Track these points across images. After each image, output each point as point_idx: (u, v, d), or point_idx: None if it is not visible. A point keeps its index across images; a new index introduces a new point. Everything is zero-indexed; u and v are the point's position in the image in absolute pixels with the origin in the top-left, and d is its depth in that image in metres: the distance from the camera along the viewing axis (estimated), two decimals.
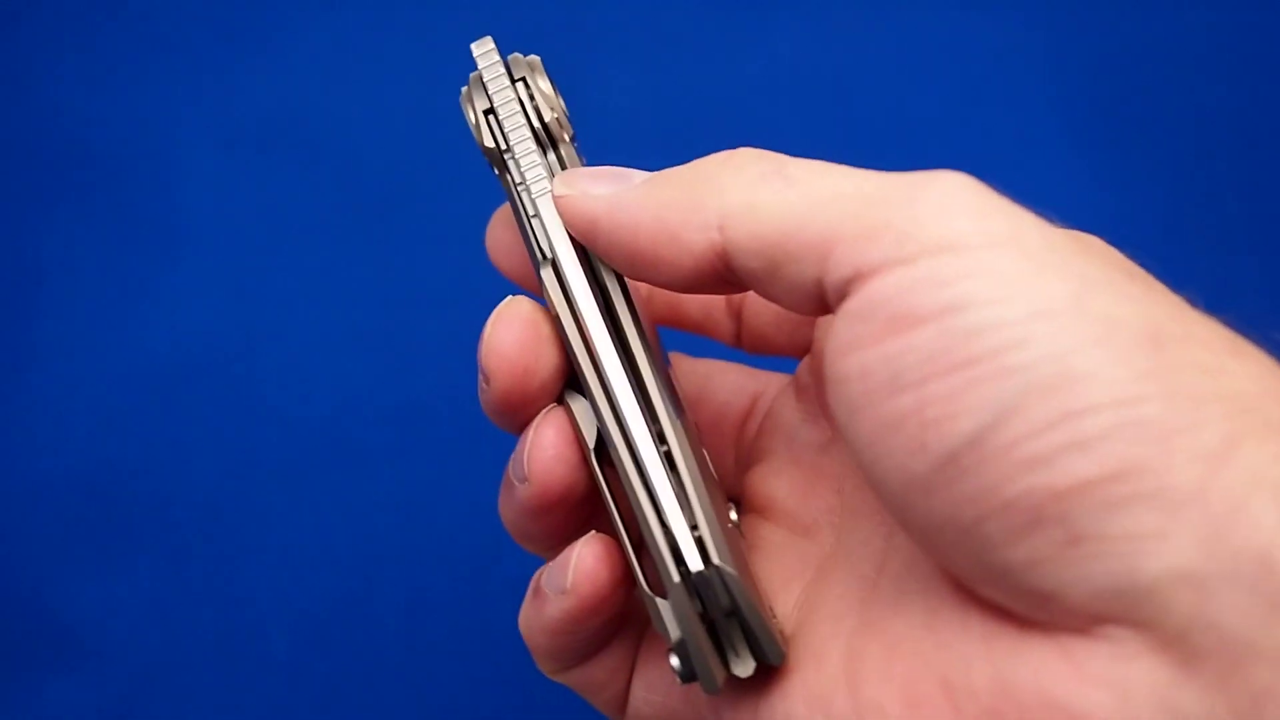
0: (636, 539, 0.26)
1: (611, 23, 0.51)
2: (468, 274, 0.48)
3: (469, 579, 0.44)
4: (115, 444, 0.46)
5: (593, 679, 0.29)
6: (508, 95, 0.29)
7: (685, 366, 0.32)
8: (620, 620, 0.28)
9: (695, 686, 0.27)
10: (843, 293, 0.22)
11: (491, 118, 0.29)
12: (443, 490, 0.45)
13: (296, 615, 0.44)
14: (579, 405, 0.27)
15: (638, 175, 0.26)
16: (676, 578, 0.24)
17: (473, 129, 0.29)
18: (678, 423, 0.26)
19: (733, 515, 0.28)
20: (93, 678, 0.44)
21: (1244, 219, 0.47)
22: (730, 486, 0.31)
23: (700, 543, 0.24)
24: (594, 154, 0.48)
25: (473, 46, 0.29)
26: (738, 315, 0.32)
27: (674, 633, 0.25)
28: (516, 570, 0.44)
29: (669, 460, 0.25)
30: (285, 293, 0.48)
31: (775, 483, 0.29)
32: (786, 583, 0.27)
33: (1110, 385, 0.19)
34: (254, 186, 0.49)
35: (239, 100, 0.50)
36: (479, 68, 0.29)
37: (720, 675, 0.25)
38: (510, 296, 0.28)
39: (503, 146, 0.28)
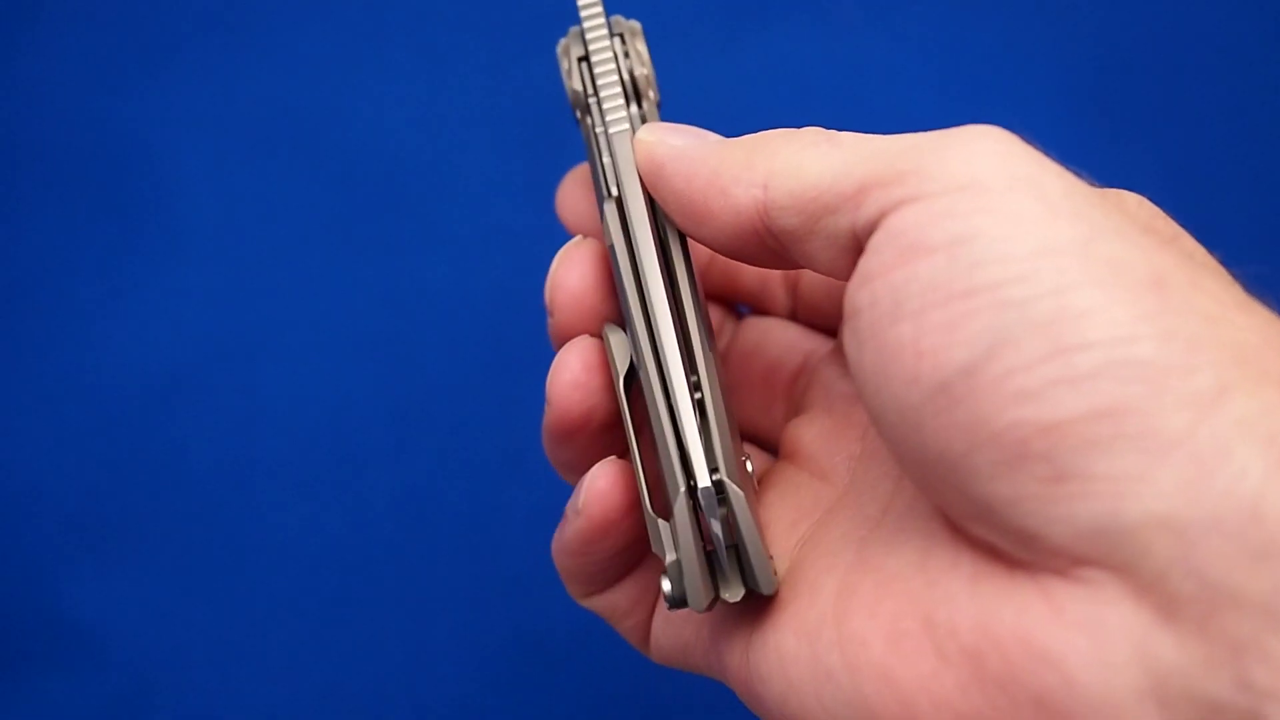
0: (653, 470, 0.27)
1: None
2: (468, 274, 0.48)
3: (469, 579, 0.44)
4: (115, 444, 0.46)
5: (616, 605, 0.29)
6: (604, 44, 0.30)
7: (750, 320, 0.33)
8: (643, 549, 0.28)
9: (705, 617, 0.27)
10: (869, 233, 0.22)
11: (584, 64, 0.30)
12: (443, 490, 0.45)
13: (296, 614, 0.44)
14: (616, 337, 0.27)
15: (715, 134, 0.27)
16: (683, 488, 0.25)
17: (564, 75, 0.30)
18: (711, 361, 0.27)
19: (749, 465, 0.28)
20: (93, 677, 0.44)
21: (1247, 219, 0.47)
22: (774, 439, 0.32)
23: (711, 461, 0.25)
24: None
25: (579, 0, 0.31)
26: (794, 289, 0.33)
27: (669, 555, 0.25)
28: (517, 570, 0.44)
29: (695, 389, 0.26)
30: (285, 293, 0.47)
31: (806, 430, 0.29)
32: (795, 521, 0.27)
33: (1107, 324, 0.19)
34: (253, 186, 0.49)
35: (239, 100, 0.50)
36: (582, 19, 0.30)
37: (708, 596, 0.25)
38: (578, 238, 0.30)
39: (589, 91, 0.30)
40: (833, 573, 0.24)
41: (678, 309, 0.27)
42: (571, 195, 0.33)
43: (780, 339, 0.32)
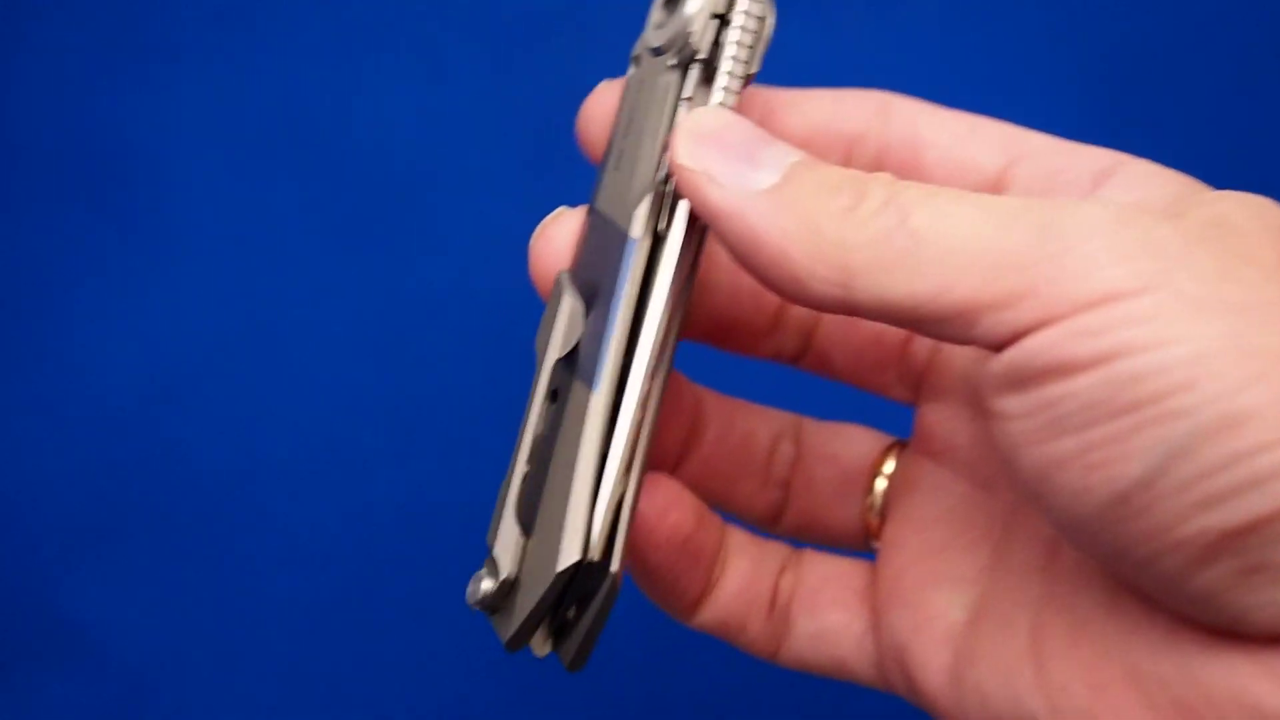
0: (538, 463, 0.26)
1: (612, 22, 0.51)
2: (468, 273, 0.48)
3: (469, 579, 0.44)
4: (115, 444, 0.46)
5: (727, 618, 0.29)
6: (753, 24, 0.26)
7: None
8: (715, 554, 0.28)
9: (873, 641, 0.27)
10: (992, 345, 0.21)
11: (716, 23, 0.26)
12: (443, 490, 0.45)
13: (296, 615, 0.44)
14: (570, 304, 0.26)
15: (766, 157, 0.24)
16: (569, 560, 0.24)
17: (688, 17, 0.26)
18: (648, 389, 0.25)
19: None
20: (93, 678, 0.44)
21: None
22: (879, 389, 0.30)
23: (590, 533, 0.24)
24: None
25: None
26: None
27: (507, 570, 0.25)
28: None
29: (612, 415, 0.25)
30: (285, 293, 0.47)
31: (949, 423, 0.28)
32: (974, 542, 0.26)
33: (1276, 423, 0.19)
34: (253, 187, 0.49)
35: (238, 100, 0.50)
36: None
37: (521, 640, 0.25)
38: (560, 211, 0.28)
39: (700, 54, 0.26)
40: (1023, 607, 0.24)
41: (635, 327, 0.25)
42: (603, 109, 0.29)
43: None
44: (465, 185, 0.49)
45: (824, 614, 0.28)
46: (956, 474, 0.28)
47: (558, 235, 0.27)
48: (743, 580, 0.28)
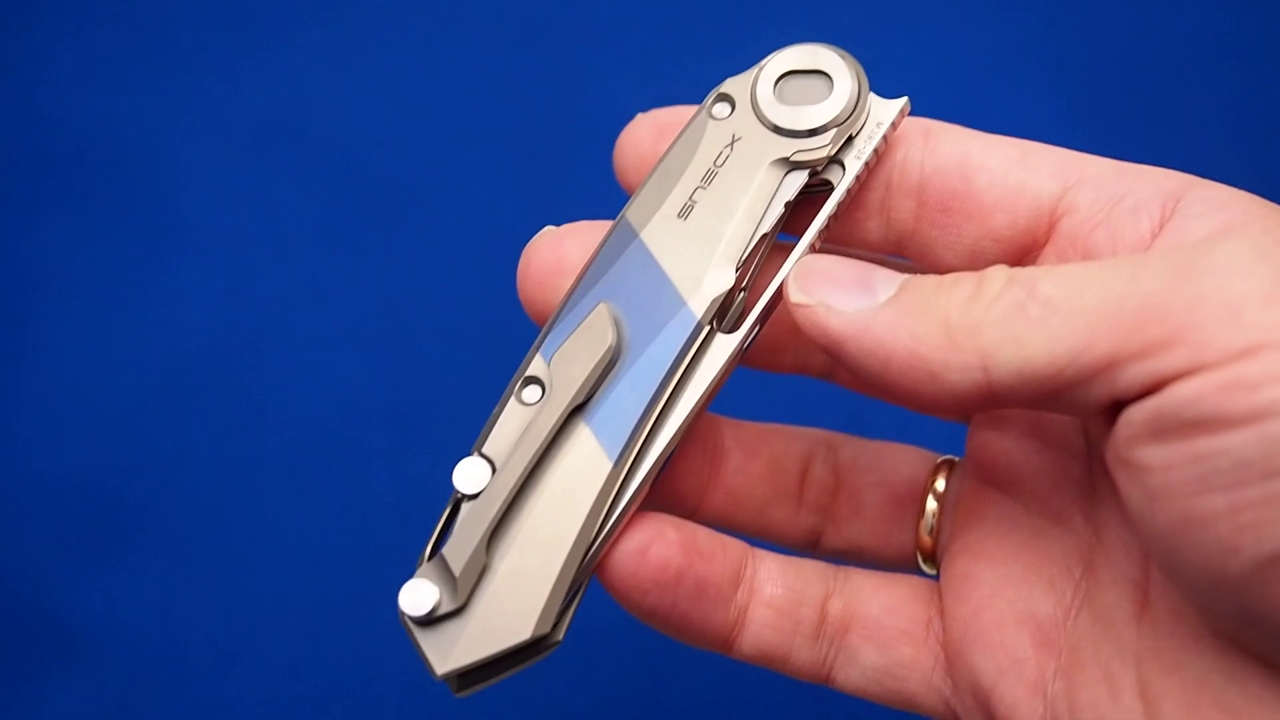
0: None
1: (612, 22, 0.51)
2: (468, 273, 0.48)
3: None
4: (115, 444, 0.46)
5: (770, 652, 0.27)
6: (875, 149, 0.26)
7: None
8: (735, 579, 0.27)
9: (945, 677, 0.26)
10: (1136, 394, 0.21)
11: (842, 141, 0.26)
12: (443, 490, 0.45)
13: (296, 615, 0.44)
14: (610, 346, 0.25)
15: (878, 280, 0.24)
16: (539, 633, 0.24)
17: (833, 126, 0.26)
18: (663, 461, 0.25)
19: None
20: (93, 678, 0.44)
21: None
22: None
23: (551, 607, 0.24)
24: (595, 154, 0.48)
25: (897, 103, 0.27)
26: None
27: (461, 598, 0.24)
28: None
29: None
30: (285, 292, 0.47)
31: (1022, 459, 0.27)
32: (1054, 580, 0.25)
33: None
34: (254, 186, 0.49)
35: (239, 100, 0.50)
36: (894, 117, 0.26)
37: (472, 686, 0.25)
38: (550, 230, 0.27)
39: (820, 169, 0.26)
40: (1123, 660, 0.23)
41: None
42: (644, 146, 0.28)
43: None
44: (466, 185, 0.49)
45: (891, 648, 0.27)
46: (1025, 506, 0.27)
47: (552, 257, 0.27)
48: (780, 608, 0.27)
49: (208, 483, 0.46)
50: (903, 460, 0.30)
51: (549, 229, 0.28)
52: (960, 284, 0.22)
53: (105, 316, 0.47)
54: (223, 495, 0.45)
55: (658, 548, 0.25)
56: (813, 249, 0.26)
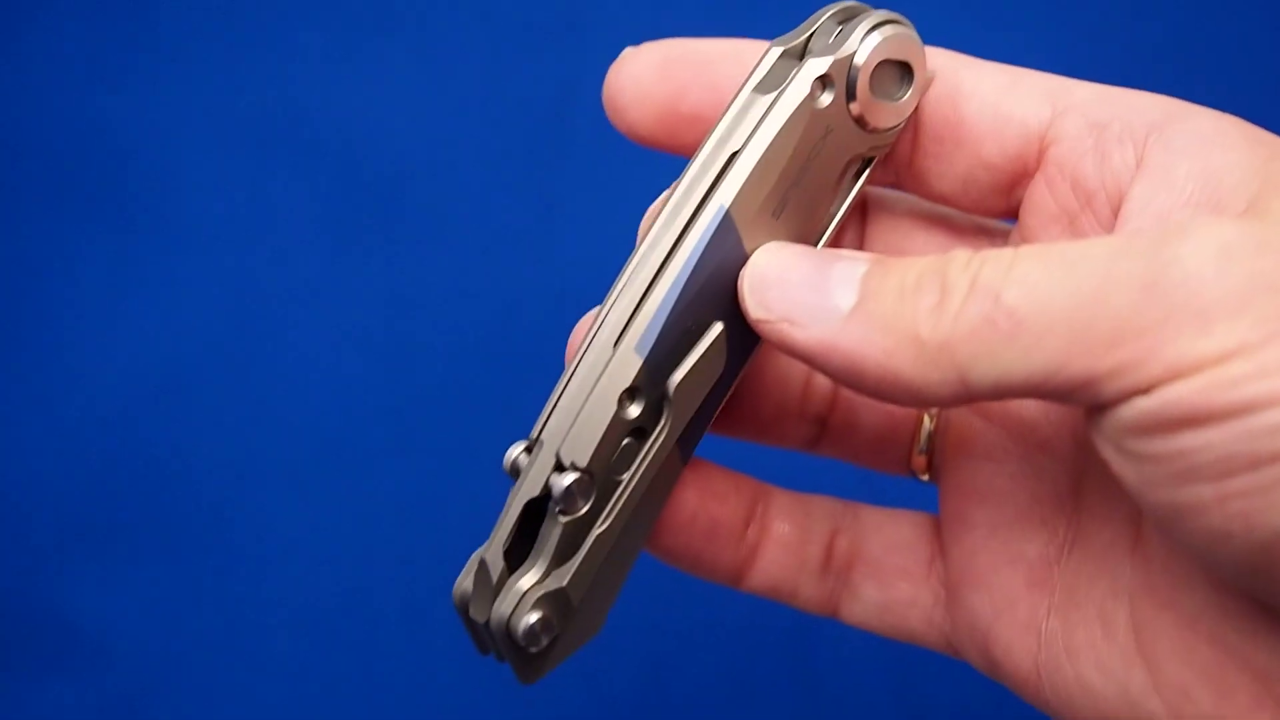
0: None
1: (612, 23, 0.51)
2: (468, 273, 0.48)
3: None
4: (115, 444, 0.46)
5: (777, 585, 0.28)
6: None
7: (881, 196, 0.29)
8: (749, 514, 0.27)
9: (946, 613, 0.26)
10: (1116, 401, 0.21)
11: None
12: (443, 490, 0.45)
13: (296, 615, 0.44)
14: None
15: (835, 280, 0.23)
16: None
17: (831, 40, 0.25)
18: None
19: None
20: (93, 678, 0.44)
21: None
22: None
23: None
24: (595, 154, 0.48)
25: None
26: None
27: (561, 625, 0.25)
28: None
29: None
30: (285, 292, 0.47)
31: None
32: (1047, 518, 0.25)
33: None
34: (254, 186, 0.49)
35: (239, 100, 0.50)
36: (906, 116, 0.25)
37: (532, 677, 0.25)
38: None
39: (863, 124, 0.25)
40: (1117, 598, 0.24)
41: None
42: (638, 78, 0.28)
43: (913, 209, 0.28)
44: (466, 185, 0.49)
45: (891, 586, 0.27)
46: (1010, 434, 0.26)
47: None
48: (789, 545, 0.27)
49: (208, 482, 0.45)
50: None
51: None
52: (921, 291, 0.22)
53: (105, 316, 0.47)
54: (223, 496, 0.45)
55: (675, 491, 0.26)
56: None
